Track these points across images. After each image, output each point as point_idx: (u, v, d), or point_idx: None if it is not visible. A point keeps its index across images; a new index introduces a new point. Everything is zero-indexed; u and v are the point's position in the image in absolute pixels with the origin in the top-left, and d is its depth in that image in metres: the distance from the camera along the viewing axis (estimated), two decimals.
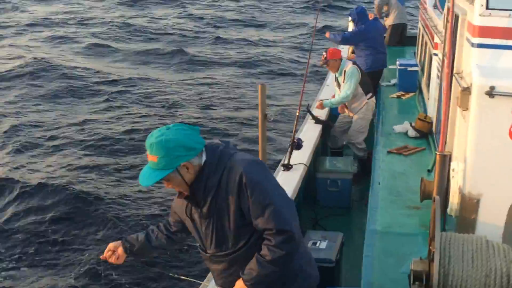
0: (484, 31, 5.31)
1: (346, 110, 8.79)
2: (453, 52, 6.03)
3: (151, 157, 3.19)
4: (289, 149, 6.71)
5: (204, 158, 3.28)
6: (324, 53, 8.49)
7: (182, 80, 16.50)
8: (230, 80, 16.68)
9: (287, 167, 6.64)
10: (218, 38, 21.53)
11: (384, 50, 10.72)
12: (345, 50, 12.38)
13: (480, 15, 5.29)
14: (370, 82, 9.00)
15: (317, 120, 8.54)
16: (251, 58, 19.17)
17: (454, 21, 6.21)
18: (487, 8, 5.27)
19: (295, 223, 3.27)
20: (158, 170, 3.19)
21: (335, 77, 8.73)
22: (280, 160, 7.13)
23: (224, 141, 3.40)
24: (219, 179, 3.22)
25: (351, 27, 12.45)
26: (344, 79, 8.48)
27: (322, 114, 8.96)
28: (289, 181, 6.31)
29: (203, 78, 16.85)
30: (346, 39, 10.89)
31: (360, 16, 10.58)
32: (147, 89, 15.15)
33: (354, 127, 8.65)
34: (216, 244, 3.40)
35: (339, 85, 8.70)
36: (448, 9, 6.81)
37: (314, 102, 9.86)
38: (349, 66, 8.47)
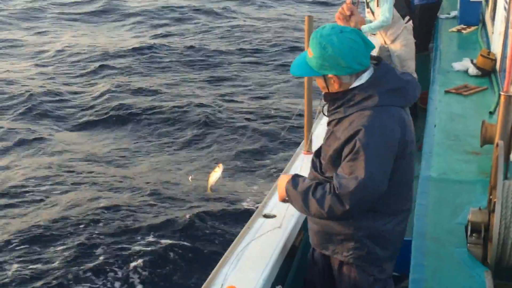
0: None
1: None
2: None
3: (309, 49, 3.24)
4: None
5: (357, 83, 3.25)
6: None
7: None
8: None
9: None
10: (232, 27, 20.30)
11: None
12: None
13: None
14: (406, 5, 8.60)
15: None
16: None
17: None
18: None
19: (363, 204, 3.29)
20: (309, 67, 3.25)
21: (366, 3, 8.32)
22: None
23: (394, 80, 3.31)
24: (348, 115, 3.25)
25: None
26: (378, 3, 8.10)
27: None
28: None
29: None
30: None
31: None
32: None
33: (400, 56, 8.30)
34: (321, 157, 3.56)
35: (372, 12, 8.33)
36: None
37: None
38: None
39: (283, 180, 3.52)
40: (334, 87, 3.27)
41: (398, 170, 3.31)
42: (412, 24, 8.60)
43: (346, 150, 3.20)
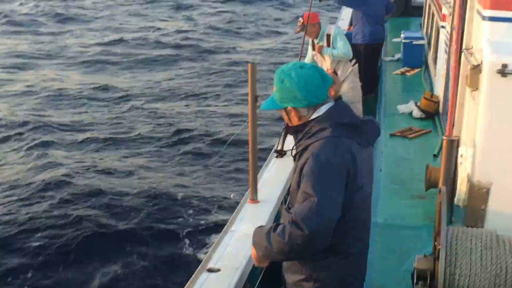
0: (496, 3, 5.20)
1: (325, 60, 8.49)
2: (462, 26, 5.93)
3: (273, 85, 3.50)
4: (282, 133, 6.63)
5: (314, 115, 3.44)
6: (300, 19, 8.30)
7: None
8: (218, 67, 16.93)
9: (281, 153, 6.56)
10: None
11: (383, 23, 10.57)
12: (345, 23, 12.25)
13: None
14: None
15: None
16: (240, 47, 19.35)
17: None
18: None
19: (321, 229, 3.30)
20: (273, 101, 3.49)
21: (312, 45, 8.50)
22: (273, 146, 7.04)
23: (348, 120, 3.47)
24: (306, 146, 3.41)
25: None
26: (328, 43, 8.33)
27: None
28: (283, 169, 6.23)
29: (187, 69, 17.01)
30: (344, 0, 10.79)
31: None
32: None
33: (348, 99, 8.51)
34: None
35: (321, 54, 8.52)
36: None
37: None
38: (333, 28, 8.40)
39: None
40: (295, 120, 3.48)
41: (352, 206, 3.40)
42: (357, 67, 8.86)
43: (301, 180, 3.40)
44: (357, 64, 8.57)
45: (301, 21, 8.23)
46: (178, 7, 27.82)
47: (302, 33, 8.16)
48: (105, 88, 15.69)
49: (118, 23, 24.29)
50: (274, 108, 3.53)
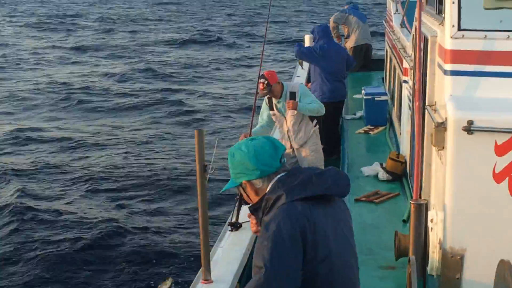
0: (458, 56, 5.45)
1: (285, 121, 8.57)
2: (423, 81, 6.16)
3: None
4: (236, 204, 6.67)
5: (269, 187, 3.55)
6: (262, 80, 8.25)
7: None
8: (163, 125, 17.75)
9: (235, 226, 6.58)
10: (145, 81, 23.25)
11: (344, 80, 10.85)
12: (300, 80, 12.52)
13: (452, 37, 5.45)
14: None
15: None
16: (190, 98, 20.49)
17: (423, 44, 6.36)
18: (459, 29, 5.43)
19: None
20: (231, 180, 3.65)
21: (273, 106, 8.54)
22: (226, 218, 7.06)
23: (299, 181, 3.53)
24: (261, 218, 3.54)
25: (307, 43, 12.71)
26: (292, 98, 8.38)
27: None
28: (238, 243, 6.24)
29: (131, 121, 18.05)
30: (303, 52, 10.98)
31: (324, 33, 10.75)
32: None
33: (310, 162, 8.59)
34: None
35: (281, 113, 8.52)
36: (416, 29, 6.99)
37: None
38: (297, 85, 8.51)
39: None
40: (252, 195, 3.61)
41: (318, 279, 3.41)
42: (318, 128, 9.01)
43: None
44: (317, 125, 8.72)
45: (264, 82, 8.24)
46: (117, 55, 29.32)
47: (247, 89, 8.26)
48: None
49: (64, 67, 26.40)
50: (231, 187, 3.69)
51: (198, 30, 35.15)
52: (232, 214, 6.70)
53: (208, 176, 5.16)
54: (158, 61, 26.95)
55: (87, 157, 14.78)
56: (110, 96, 20.92)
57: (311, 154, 8.54)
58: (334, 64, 10.61)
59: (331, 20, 14.43)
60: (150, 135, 16.55)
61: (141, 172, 13.62)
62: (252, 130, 8.29)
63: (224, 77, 24.23)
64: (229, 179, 3.69)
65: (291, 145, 8.57)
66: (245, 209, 6.69)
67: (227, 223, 6.74)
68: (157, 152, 15.23)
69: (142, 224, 11.05)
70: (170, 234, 10.76)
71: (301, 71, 13.55)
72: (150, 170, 13.75)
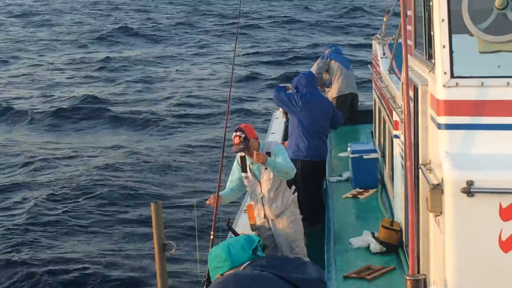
0: (452, 107, 5.60)
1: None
2: (415, 136, 6.30)
3: None
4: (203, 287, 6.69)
5: None
6: (238, 133, 8.29)
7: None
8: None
9: None
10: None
11: (325, 137, 10.88)
12: (276, 137, 12.65)
13: (444, 86, 5.61)
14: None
15: None
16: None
17: (413, 94, 6.53)
18: (452, 76, 5.60)
19: None
20: None
21: (246, 167, 8.57)
22: None
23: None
24: None
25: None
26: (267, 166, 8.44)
27: (249, 229, 9.00)
28: None
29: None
30: (281, 99, 10.99)
31: (308, 81, 10.87)
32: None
33: (288, 236, 8.61)
34: None
35: (255, 176, 8.55)
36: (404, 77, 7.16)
37: (239, 213, 9.93)
38: (273, 145, 8.56)
39: None
40: None
41: None
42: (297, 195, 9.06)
43: None
44: (296, 192, 8.79)
45: (241, 135, 8.25)
46: None
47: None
48: None
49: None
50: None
51: None
52: None
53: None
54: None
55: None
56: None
57: (289, 226, 8.58)
58: (315, 118, 10.69)
59: (314, 69, 14.47)
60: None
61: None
62: (220, 193, 8.38)
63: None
64: None
65: (265, 215, 8.61)
66: None
67: None
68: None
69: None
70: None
71: (277, 126, 13.71)
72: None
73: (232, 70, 10.35)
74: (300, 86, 10.90)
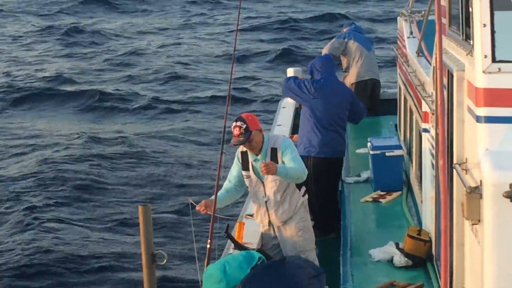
0: (493, 97, 5.58)
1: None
2: (449, 131, 6.28)
3: None
4: None
5: None
6: (239, 123, 8.27)
7: None
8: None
9: None
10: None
11: (342, 131, 10.83)
12: (283, 130, 12.64)
13: (484, 72, 5.58)
14: None
15: (239, 248, 8.50)
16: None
17: (447, 82, 6.51)
18: (493, 60, 5.58)
19: None
20: None
21: (248, 164, 8.54)
22: None
23: None
24: None
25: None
26: (274, 158, 8.38)
27: (253, 238, 8.98)
28: None
29: None
30: (290, 87, 11.08)
31: (324, 66, 10.89)
32: None
33: (296, 246, 8.59)
34: None
35: (258, 176, 8.52)
36: (437, 61, 7.13)
37: (240, 218, 9.90)
38: (280, 140, 8.48)
39: None
40: None
41: None
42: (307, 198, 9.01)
43: None
44: (307, 195, 8.75)
45: (242, 126, 8.26)
46: None
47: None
48: None
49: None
50: None
51: None
52: None
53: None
54: None
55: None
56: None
57: (297, 234, 8.55)
58: (331, 107, 10.69)
59: (326, 51, 14.41)
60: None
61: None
62: (212, 196, 8.36)
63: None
64: None
65: (269, 221, 8.60)
66: None
67: None
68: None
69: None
70: None
71: (285, 117, 13.69)
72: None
73: (234, 50, 10.26)
74: (315, 71, 10.93)
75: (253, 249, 8.77)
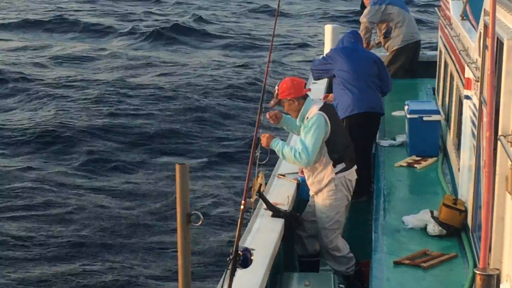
0: None
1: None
2: (496, 101, 6.19)
3: None
4: (229, 266, 6.67)
5: None
6: (276, 87, 8.65)
7: None
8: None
9: None
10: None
11: (376, 87, 10.80)
12: (318, 88, 12.57)
13: None
14: (347, 145, 8.85)
15: (275, 212, 8.54)
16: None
17: (497, 49, 6.40)
18: None
19: None
20: None
21: (297, 128, 8.72)
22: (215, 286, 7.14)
23: None
24: None
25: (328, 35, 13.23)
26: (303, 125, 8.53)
27: (284, 200, 8.97)
28: None
29: None
30: (315, 64, 11.53)
31: (351, 38, 11.14)
32: None
33: (319, 219, 8.61)
34: None
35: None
36: (486, 27, 7.03)
37: (271, 178, 9.90)
38: (313, 112, 8.44)
39: None
40: None
41: None
42: (350, 178, 8.87)
43: None
44: (347, 173, 8.70)
45: (275, 91, 8.61)
46: None
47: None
48: None
49: None
50: None
51: None
52: (223, 280, 6.73)
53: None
54: None
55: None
56: None
57: (321, 209, 8.60)
58: (360, 63, 10.80)
59: (364, 20, 14.28)
60: None
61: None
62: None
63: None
64: None
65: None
66: (240, 273, 6.74)
67: None
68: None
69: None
70: None
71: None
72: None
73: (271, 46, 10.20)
74: (339, 44, 11.33)
75: (285, 211, 8.82)
